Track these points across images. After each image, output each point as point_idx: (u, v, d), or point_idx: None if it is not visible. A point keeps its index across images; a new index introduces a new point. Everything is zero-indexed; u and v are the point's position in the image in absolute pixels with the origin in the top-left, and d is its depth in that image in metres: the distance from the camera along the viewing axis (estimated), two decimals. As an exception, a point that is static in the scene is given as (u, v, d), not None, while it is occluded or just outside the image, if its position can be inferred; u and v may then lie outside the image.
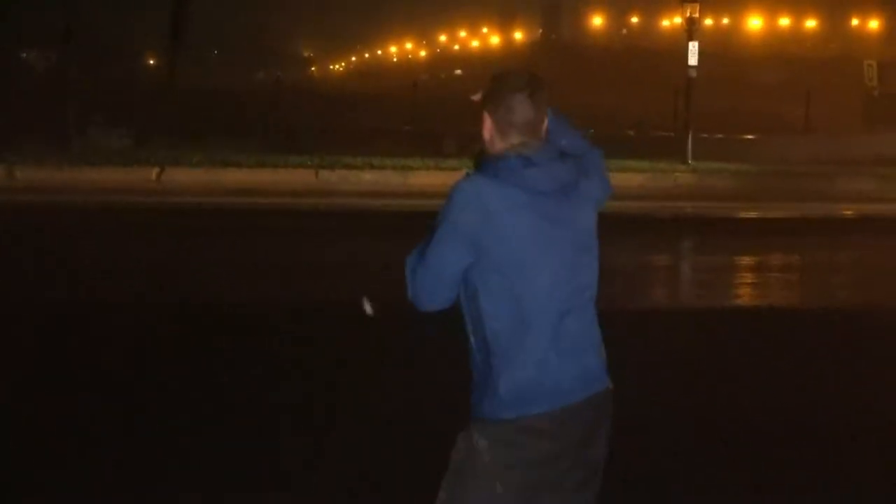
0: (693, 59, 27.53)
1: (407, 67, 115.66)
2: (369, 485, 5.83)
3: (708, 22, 68.58)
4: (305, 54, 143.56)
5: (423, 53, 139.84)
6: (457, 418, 3.63)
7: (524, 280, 3.44)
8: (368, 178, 23.05)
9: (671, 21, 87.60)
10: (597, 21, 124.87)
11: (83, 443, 6.35)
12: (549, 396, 3.46)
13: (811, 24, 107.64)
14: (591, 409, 3.54)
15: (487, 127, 3.56)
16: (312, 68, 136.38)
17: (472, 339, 3.55)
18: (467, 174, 3.59)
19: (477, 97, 3.64)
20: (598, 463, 3.60)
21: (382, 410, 7.00)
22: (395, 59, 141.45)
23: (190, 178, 22.00)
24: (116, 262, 12.88)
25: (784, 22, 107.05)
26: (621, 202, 17.54)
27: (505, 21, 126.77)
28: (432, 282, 3.49)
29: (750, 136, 35.57)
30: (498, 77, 3.60)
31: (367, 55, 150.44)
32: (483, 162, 3.55)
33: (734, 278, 13.98)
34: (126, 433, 6.55)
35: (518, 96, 3.51)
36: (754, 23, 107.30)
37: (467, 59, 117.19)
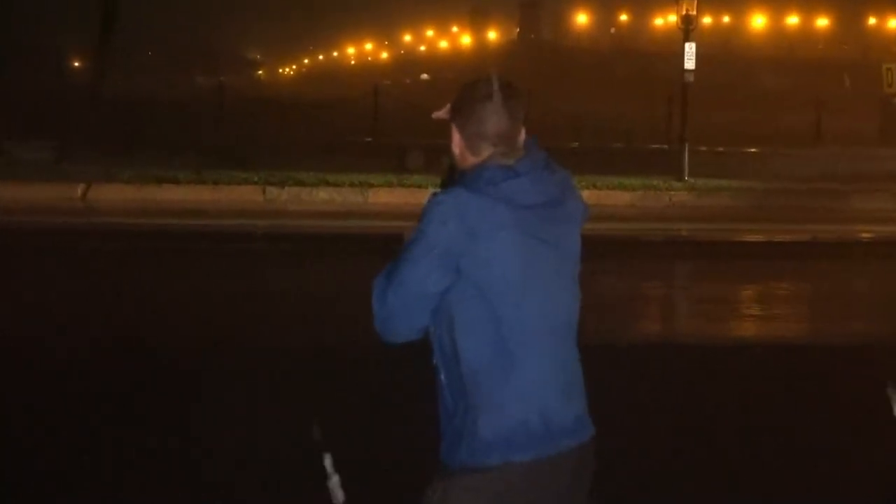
0: (690, 63, 27.65)
1: (367, 71, 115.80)
2: None
3: (706, 21, 69.24)
4: (252, 57, 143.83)
5: (384, 55, 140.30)
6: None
7: (509, 306, 3.41)
8: (323, 196, 23.05)
9: (665, 20, 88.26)
10: (582, 19, 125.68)
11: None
12: (540, 441, 3.44)
13: (822, 23, 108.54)
14: (578, 457, 3.54)
15: (457, 141, 3.55)
16: (259, 72, 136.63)
17: (442, 375, 3.50)
18: (434, 194, 3.57)
19: (440, 114, 3.64)
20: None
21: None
22: (353, 62, 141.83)
23: (120, 195, 21.94)
24: (34, 290, 12.82)
25: (792, 21, 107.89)
26: (609, 223, 17.69)
27: (478, 19, 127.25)
28: (405, 307, 3.44)
29: (753, 150, 35.75)
30: (467, 86, 3.58)
31: (321, 57, 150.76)
32: (462, 175, 3.53)
33: (736, 309, 14.05)
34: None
35: (489, 105, 3.49)
36: (758, 22, 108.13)
37: (435, 62, 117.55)
